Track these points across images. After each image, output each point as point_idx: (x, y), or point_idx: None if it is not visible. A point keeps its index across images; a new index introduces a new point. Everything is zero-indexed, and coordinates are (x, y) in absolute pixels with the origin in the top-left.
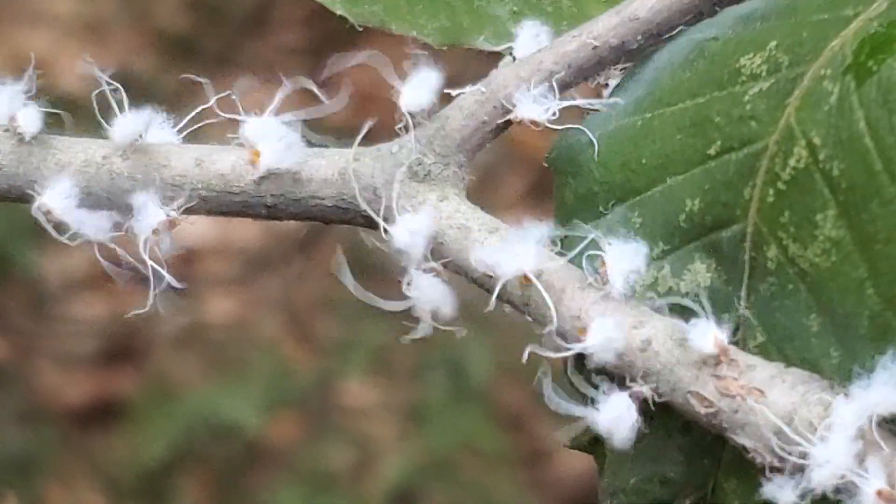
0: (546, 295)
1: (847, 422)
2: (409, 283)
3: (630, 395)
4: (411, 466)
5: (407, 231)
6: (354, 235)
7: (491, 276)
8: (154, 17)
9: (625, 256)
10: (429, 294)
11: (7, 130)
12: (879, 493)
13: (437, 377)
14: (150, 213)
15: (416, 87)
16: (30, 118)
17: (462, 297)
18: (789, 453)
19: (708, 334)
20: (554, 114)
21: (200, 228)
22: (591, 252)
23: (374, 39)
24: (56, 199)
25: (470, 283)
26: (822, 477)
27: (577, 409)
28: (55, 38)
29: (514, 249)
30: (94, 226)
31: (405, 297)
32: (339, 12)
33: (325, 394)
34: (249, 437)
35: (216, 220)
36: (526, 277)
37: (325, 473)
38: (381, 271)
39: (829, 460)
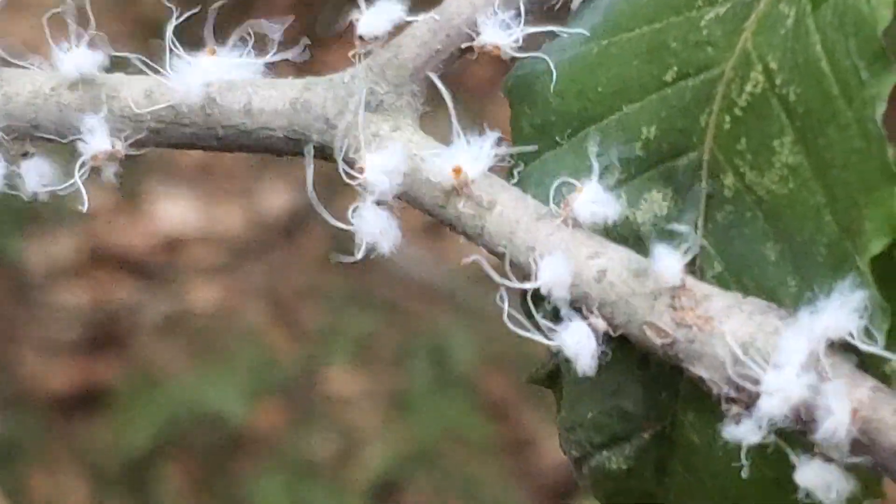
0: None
1: (796, 348)
2: (354, 210)
3: (588, 326)
4: (395, 455)
5: (379, 171)
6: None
7: (441, 198)
8: (137, 4)
9: (594, 191)
10: (371, 225)
11: None
12: (855, 413)
13: (422, 365)
14: (98, 140)
15: (376, 14)
16: None
17: (446, 286)
18: (745, 383)
19: (671, 266)
20: (517, 41)
21: (184, 216)
22: (565, 180)
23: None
24: None
25: (424, 214)
26: (772, 405)
27: (540, 336)
28: (40, 26)
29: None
30: (35, 174)
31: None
32: None
33: (309, 382)
34: (233, 424)
35: (200, 209)
36: (457, 170)
37: (308, 461)
38: (365, 259)
39: (780, 388)
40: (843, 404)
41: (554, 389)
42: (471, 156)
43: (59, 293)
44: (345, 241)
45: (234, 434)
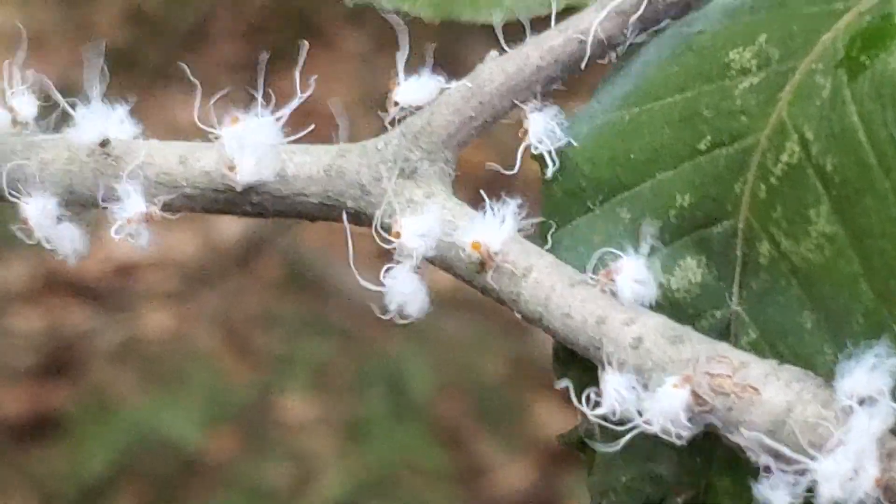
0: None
1: (863, 431)
2: (387, 271)
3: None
4: (350, 482)
5: (415, 235)
6: (294, 251)
7: (476, 266)
8: (94, 30)
9: (638, 268)
10: (401, 287)
11: None
12: (877, 482)
13: (377, 393)
14: (133, 203)
15: (417, 87)
16: (25, 103)
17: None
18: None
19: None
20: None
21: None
22: (607, 249)
23: (311, 54)
24: (35, 212)
25: (457, 279)
26: (832, 490)
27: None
28: None
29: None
30: (67, 239)
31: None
32: None
33: (264, 409)
34: (187, 451)
35: (154, 234)
36: (475, 245)
37: (263, 489)
38: (321, 285)
39: (839, 472)
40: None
41: (585, 453)
42: (493, 227)
43: (12, 319)
44: (299, 268)
45: (189, 461)
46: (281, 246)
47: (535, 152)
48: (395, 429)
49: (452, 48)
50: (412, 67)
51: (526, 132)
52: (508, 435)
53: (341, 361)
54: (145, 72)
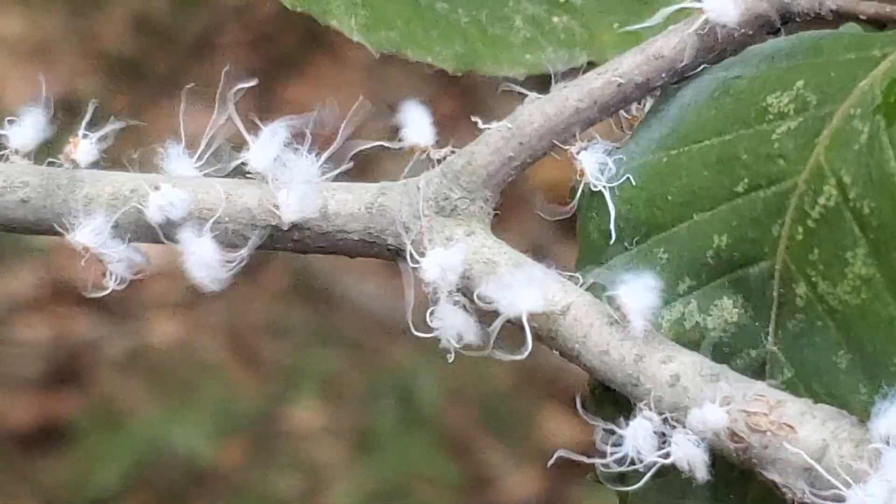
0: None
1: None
2: (432, 314)
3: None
4: (359, 493)
5: (438, 265)
6: (302, 260)
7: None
8: (101, 40)
9: (638, 294)
10: (451, 322)
11: (25, 157)
12: None
13: (385, 403)
14: (202, 246)
15: None
16: (87, 152)
17: (406, 322)
18: (821, 490)
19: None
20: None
21: (145, 250)
22: (608, 293)
23: (318, 64)
24: (93, 238)
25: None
26: None
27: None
28: (2, 60)
29: (535, 285)
30: (128, 259)
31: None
32: (356, 39)
33: (273, 419)
34: (196, 462)
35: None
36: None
37: (272, 500)
38: (329, 295)
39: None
40: None
41: (619, 489)
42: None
43: (19, 328)
44: (306, 277)
45: (198, 472)
46: (288, 255)
47: (594, 190)
48: (403, 439)
49: None
50: (418, 79)
51: (583, 172)
52: (516, 444)
53: (349, 372)
54: (152, 81)
